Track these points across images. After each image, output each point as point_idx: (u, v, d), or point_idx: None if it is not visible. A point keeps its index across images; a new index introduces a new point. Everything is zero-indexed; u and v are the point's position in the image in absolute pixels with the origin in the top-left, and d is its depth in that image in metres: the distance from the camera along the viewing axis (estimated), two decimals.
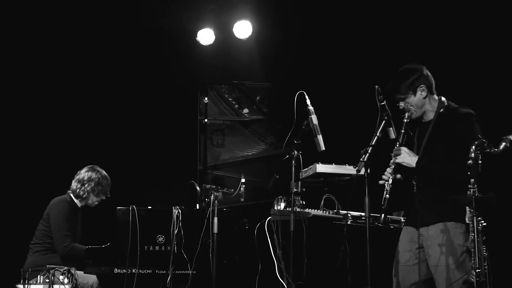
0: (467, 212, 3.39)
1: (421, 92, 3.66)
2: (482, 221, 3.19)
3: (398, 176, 3.64)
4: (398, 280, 3.68)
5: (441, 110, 3.69)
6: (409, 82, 3.66)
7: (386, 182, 3.55)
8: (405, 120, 3.64)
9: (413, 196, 3.69)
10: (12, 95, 6.04)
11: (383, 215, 3.51)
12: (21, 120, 6.08)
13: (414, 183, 3.69)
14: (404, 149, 3.59)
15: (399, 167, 3.61)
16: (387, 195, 3.52)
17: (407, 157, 3.58)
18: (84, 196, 4.86)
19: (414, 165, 3.57)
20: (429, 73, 3.72)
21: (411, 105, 3.67)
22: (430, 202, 3.58)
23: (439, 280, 3.50)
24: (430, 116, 3.71)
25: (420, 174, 3.62)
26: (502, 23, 5.27)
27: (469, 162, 3.16)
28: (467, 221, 3.40)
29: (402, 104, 3.69)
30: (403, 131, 3.62)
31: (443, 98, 3.72)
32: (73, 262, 4.44)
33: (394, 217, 4.54)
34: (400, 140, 3.61)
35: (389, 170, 3.61)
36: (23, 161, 6.04)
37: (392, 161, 3.61)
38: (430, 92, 3.69)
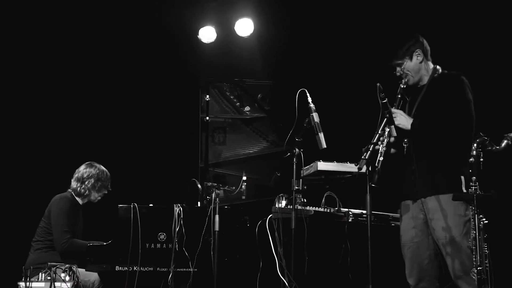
0: (463, 182, 3.40)
1: (417, 56, 3.73)
2: (484, 219, 3.19)
3: (392, 139, 3.65)
4: (411, 261, 3.67)
5: (435, 75, 3.75)
6: (405, 47, 3.73)
7: (381, 145, 3.55)
8: (402, 86, 3.67)
9: (407, 166, 3.70)
10: (13, 93, 6.03)
11: (376, 176, 3.49)
12: (22, 118, 6.08)
13: (405, 146, 3.71)
14: (399, 112, 3.63)
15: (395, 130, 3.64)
16: (381, 158, 3.49)
17: (402, 119, 3.62)
18: (85, 193, 4.86)
19: (409, 127, 3.61)
20: (424, 40, 3.79)
21: (408, 70, 3.73)
22: (426, 173, 3.60)
23: (447, 252, 3.50)
24: (425, 80, 3.78)
25: (415, 136, 3.65)
26: (502, 24, 5.26)
27: (471, 159, 3.17)
28: (464, 191, 3.41)
29: (398, 69, 3.73)
30: (399, 96, 3.66)
31: (438, 66, 3.78)
32: (74, 260, 4.44)
33: (395, 215, 4.54)
34: (396, 104, 3.65)
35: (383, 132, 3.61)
36: (24, 159, 6.04)
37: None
38: (426, 58, 3.76)
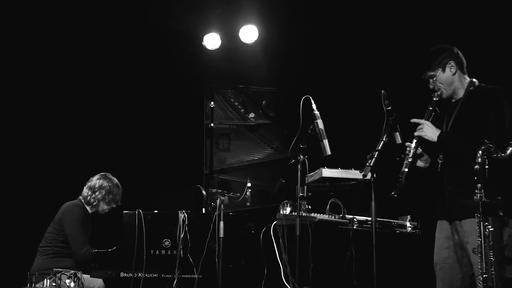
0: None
1: (450, 68, 3.63)
2: (489, 226, 3.18)
3: (420, 150, 3.61)
4: (442, 281, 3.60)
5: (471, 88, 3.64)
6: (438, 60, 3.63)
7: (407, 156, 3.52)
8: (435, 99, 3.60)
9: (440, 186, 3.61)
10: (23, 100, 6.06)
11: (399, 187, 3.44)
12: (31, 124, 6.10)
13: (440, 162, 3.62)
14: (426, 122, 3.56)
15: (422, 142, 3.58)
16: (406, 169, 3.47)
17: (428, 131, 3.54)
18: (94, 203, 4.85)
19: (435, 139, 3.52)
20: (460, 53, 3.68)
21: (440, 83, 3.63)
22: (462, 195, 3.44)
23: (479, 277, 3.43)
24: (460, 95, 3.66)
25: (442, 149, 3.57)
26: (502, 24, 5.25)
27: (476, 167, 3.15)
28: (501, 214, 3.32)
29: (431, 82, 3.64)
30: (430, 108, 3.59)
31: (474, 79, 3.67)
32: (79, 266, 4.44)
33: (400, 222, 4.54)
34: (426, 116, 3.58)
35: (411, 144, 3.57)
36: (32, 164, 6.05)
37: (415, 133, 3.58)
38: (460, 70, 3.66)
